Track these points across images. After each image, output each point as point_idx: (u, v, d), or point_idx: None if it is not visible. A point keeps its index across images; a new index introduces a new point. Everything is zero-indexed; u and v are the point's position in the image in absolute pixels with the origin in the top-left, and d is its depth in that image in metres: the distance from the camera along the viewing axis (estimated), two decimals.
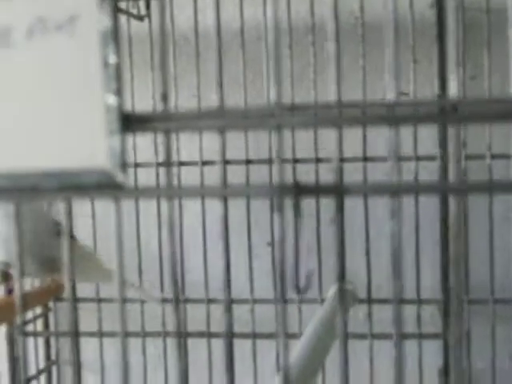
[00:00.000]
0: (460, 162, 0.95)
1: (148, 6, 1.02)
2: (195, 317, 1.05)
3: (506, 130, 0.97)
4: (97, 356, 1.10)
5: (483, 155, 0.98)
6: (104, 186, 0.42)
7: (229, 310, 0.42)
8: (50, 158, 0.43)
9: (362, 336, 1.01)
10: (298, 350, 0.76)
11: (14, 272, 0.96)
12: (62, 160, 0.42)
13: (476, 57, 0.99)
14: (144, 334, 1.07)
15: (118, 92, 0.42)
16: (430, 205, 1.00)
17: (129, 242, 1.05)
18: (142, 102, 0.96)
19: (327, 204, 0.99)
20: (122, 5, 1.01)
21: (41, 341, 1.15)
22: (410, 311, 1.01)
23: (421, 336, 1.01)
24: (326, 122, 0.40)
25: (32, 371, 1.12)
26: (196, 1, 1.02)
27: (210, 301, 1.05)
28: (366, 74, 0.99)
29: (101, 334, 1.08)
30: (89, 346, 1.13)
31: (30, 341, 1.13)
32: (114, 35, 0.42)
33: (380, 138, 1.01)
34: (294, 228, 0.42)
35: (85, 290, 1.10)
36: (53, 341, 1.18)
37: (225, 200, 0.42)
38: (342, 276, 0.43)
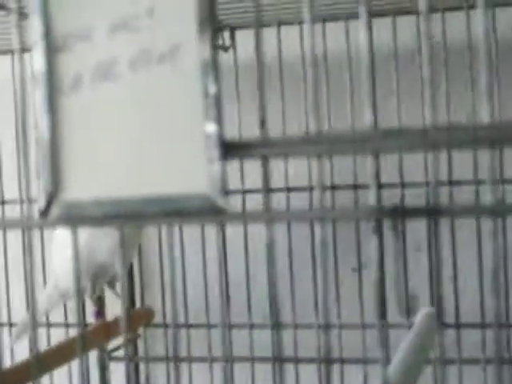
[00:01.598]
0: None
1: (233, 37, 1.04)
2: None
3: None
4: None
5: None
6: (205, 211, 0.43)
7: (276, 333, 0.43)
8: (152, 185, 0.44)
9: (450, 361, 1.00)
10: (389, 373, 0.76)
11: (116, 296, 0.99)
12: (164, 187, 0.44)
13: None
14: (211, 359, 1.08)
15: (218, 120, 0.43)
16: None
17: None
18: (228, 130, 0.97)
19: (412, 229, 0.99)
20: None
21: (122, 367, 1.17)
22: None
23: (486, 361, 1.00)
24: (433, 144, 0.41)
25: None
26: (279, 32, 1.03)
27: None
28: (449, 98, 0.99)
29: (190, 360, 1.09)
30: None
31: (121, 366, 1.15)
32: (214, 65, 0.44)
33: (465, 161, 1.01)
34: (395, 251, 0.42)
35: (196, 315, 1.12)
36: (142, 367, 1.19)
37: (333, 223, 0.43)
38: (439, 300, 0.44)
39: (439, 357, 0.44)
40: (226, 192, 0.43)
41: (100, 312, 1.03)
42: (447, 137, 0.41)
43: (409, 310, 0.78)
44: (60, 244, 0.97)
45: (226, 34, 1.05)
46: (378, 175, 0.42)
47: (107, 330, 0.96)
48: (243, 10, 0.98)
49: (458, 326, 1.01)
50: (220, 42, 1.04)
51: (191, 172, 0.44)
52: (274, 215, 0.43)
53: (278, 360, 0.44)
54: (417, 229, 0.98)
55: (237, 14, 1.00)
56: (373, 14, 1.01)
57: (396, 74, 1.01)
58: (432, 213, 0.41)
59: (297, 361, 1.06)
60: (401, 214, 0.42)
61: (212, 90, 0.43)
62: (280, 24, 1.03)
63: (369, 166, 0.42)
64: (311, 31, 0.42)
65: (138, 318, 1.08)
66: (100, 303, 1.05)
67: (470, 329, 1.01)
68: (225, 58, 1.05)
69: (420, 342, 0.85)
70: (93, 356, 1.13)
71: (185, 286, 1.08)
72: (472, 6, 0.97)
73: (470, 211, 0.42)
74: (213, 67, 0.44)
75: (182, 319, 1.10)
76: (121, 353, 1.16)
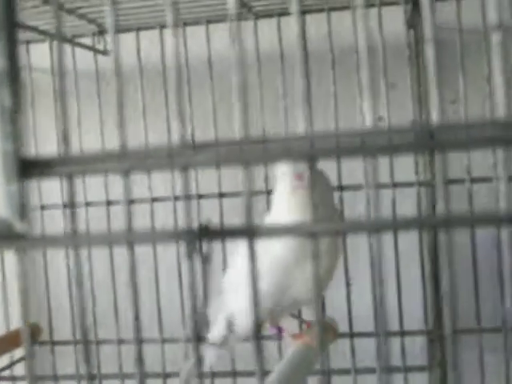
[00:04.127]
0: (443, 190, 0.92)
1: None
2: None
3: (486, 152, 0.94)
4: None
5: (463, 179, 0.95)
6: (3, 235, 0.40)
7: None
8: None
9: (345, 371, 0.98)
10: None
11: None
12: None
13: (455, 80, 0.96)
14: (122, 376, 1.04)
15: (16, 136, 0.39)
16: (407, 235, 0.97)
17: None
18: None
19: None
20: (88, 41, 1.00)
21: None
22: (394, 344, 0.98)
23: (406, 369, 0.97)
24: (231, 159, 0.38)
25: None
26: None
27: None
28: (337, 101, 0.96)
29: (79, 377, 1.05)
30: None
31: None
32: (11, 75, 0.40)
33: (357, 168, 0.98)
34: (202, 273, 0.39)
35: (62, 332, 1.07)
36: None
37: (131, 246, 0.39)
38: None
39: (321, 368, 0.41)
40: (25, 214, 0.39)
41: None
42: (258, 151, 0.38)
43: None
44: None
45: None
46: (187, 192, 0.39)
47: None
48: (125, 12, 0.94)
49: (351, 335, 0.98)
50: (101, 46, 1.00)
51: None
52: (78, 239, 0.40)
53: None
54: None
55: (119, 17, 0.96)
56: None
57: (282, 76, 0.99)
58: (245, 232, 0.38)
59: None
60: (211, 234, 0.38)
61: (8, 103, 0.40)
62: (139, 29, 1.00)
63: (180, 182, 0.39)
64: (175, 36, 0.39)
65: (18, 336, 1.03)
66: None
67: (365, 337, 0.99)
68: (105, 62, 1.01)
69: (305, 350, 0.82)
70: None
71: (94, 302, 1.04)
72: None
73: (286, 231, 0.39)
74: (9, 78, 0.40)
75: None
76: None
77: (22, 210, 0.39)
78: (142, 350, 0.40)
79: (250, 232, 0.38)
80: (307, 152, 0.37)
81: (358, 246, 1.00)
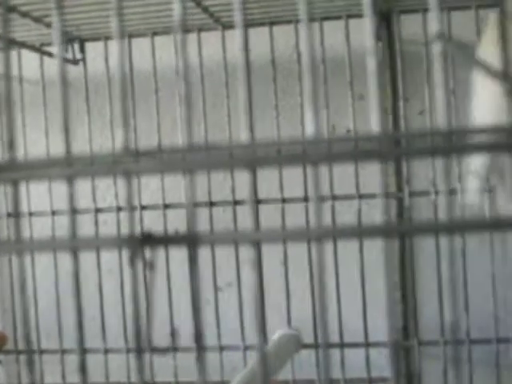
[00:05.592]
0: (404, 199, 0.92)
1: (82, 50, 1.00)
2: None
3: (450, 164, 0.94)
4: None
5: (427, 191, 0.95)
6: None
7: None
8: None
9: (309, 382, 0.98)
10: None
11: None
12: None
13: (422, 91, 0.97)
14: None
15: None
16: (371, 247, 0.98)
17: None
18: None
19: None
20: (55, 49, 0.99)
21: None
22: (359, 355, 0.98)
23: (370, 381, 0.97)
24: (173, 167, 0.38)
25: None
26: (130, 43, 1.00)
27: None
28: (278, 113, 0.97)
29: None
30: None
31: None
32: None
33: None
34: (148, 281, 0.39)
35: (48, 341, 1.07)
36: None
37: (74, 253, 0.39)
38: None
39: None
40: None
41: None
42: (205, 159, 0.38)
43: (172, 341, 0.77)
44: None
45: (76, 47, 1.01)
46: (130, 199, 0.39)
47: None
48: (92, 21, 0.94)
49: (342, 345, 0.98)
50: (70, 55, 1.00)
51: None
52: (22, 245, 0.40)
53: None
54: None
55: (87, 25, 0.96)
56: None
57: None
58: (186, 241, 0.38)
59: None
60: (155, 242, 0.39)
61: None
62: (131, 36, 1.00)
63: (122, 190, 0.39)
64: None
65: None
66: None
67: (354, 348, 0.99)
68: (74, 71, 1.01)
69: (271, 359, 0.82)
70: None
71: (36, 311, 1.04)
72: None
73: (227, 238, 0.39)
74: None
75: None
76: None
77: None
78: (86, 359, 0.40)
79: (192, 240, 0.38)
80: (249, 159, 0.37)
81: (348, 257, 1.00)
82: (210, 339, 1.00)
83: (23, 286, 0.40)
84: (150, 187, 1.05)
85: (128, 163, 0.38)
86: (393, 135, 0.36)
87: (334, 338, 0.97)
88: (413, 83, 0.97)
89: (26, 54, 1.01)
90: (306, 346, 0.95)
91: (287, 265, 0.97)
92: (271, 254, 1.01)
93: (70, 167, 0.39)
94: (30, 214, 1.04)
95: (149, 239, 0.38)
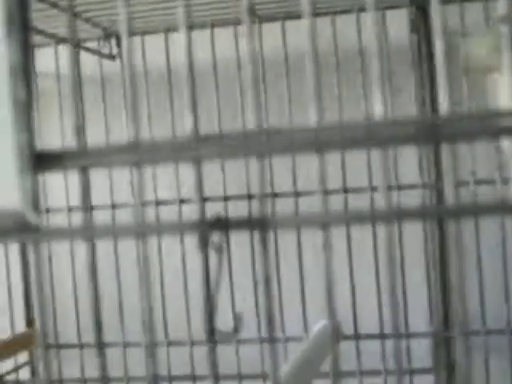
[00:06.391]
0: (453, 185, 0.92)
1: (119, 45, 1.00)
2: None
3: (491, 153, 0.94)
4: None
5: (466, 181, 0.95)
6: (17, 228, 0.40)
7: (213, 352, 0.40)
8: None
9: (350, 373, 0.98)
10: None
11: None
12: None
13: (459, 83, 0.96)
14: (128, 379, 1.04)
15: (29, 129, 0.40)
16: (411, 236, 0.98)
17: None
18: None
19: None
20: (93, 44, 1.00)
21: None
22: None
23: (412, 371, 0.97)
24: (242, 151, 0.38)
25: None
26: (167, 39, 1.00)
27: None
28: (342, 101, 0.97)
29: (84, 381, 1.05)
30: None
31: None
32: (25, 69, 0.40)
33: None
34: (217, 265, 0.39)
35: (67, 336, 1.07)
36: None
37: (143, 239, 0.40)
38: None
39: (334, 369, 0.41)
40: (38, 207, 0.40)
41: None
42: (268, 143, 0.38)
43: (235, 328, 0.76)
44: None
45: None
46: (201, 185, 0.39)
47: None
48: (130, 16, 0.94)
49: (357, 337, 0.98)
50: (107, 50, 1.00)
51: (1, 185, 0.40)
52: (92, 231, 0.40)
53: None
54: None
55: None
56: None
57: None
58: (257, 225, 0.38)
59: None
60: (224, 226, 0.39)
61: (22, 96, 0.40)
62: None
63: (191, 176, 0.39)
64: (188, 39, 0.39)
65: (29, 338, 1.04)
66: None
67: (370, 340, 0.99)
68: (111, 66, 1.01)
69: (310, 354, 0.82)
70: None
71: (77, 306, 1.05)
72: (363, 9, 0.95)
73: (297, 222, 0.39)
74: (23, 72, 0.40)
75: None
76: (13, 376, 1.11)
77: (35, 202, 0.40)
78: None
79: (263, 223, 0.38)
80: (312, 143, 0.37)
81: (364, 245, 1.00)
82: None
83: (94, 272, 0.41)
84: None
85: (197, 149, 0.39)
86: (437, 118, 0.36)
87: (374, 328, 0.98)
88: (449, 75, 0.96)
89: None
90: (345, 338, 0.96)
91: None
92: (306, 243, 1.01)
93: (137, 153, 0.39)
94: (92, 208, 1.04)
95: (219, 223, 0.39)
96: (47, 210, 1.06)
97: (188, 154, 0.39)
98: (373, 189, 0.96)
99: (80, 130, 0.40)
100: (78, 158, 0.40)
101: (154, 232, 0.40)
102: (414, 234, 0.98)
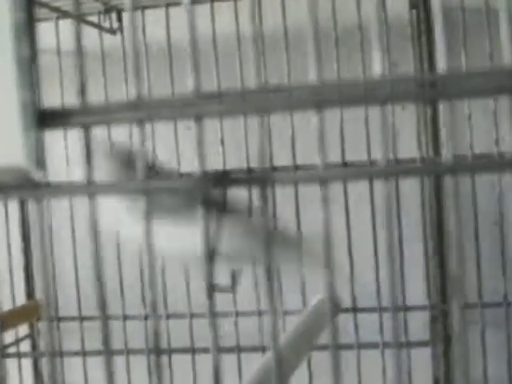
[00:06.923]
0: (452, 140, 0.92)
1: (120, 19, 1.01)
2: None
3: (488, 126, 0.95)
4: (81, 377, 1.08)
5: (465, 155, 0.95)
6: (21, 184, 0.41)
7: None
8: None
9: (348, 346, 0.99)
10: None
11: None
12: None
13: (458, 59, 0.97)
14: (128, 352, 1.05)
15: (33, 86, 0.40)
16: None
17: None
18: None
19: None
20: (94, 19, 1.00)
21: (26, 363, 1.13)
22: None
23: (409, 344, 0.98)
24: (243, 108, 0.39)
25: None
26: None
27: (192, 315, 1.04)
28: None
29: (84, 353, 1.06)
30: (75, 368, 1.11)
31: (14, 363, 1.11)
32: (29, 28, 0.41)
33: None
34: (216, 224, 0.40)
35: (67, 308, 1.08)
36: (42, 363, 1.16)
37: (148, 195, 0.40)
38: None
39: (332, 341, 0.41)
40: (42, 164, 0.40)
41: None
42: (265, 100, 0.38)
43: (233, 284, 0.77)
44: None
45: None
46: (202, 142, 0.40)
47: None
48: None
49: (354, 310, 0.99)
50: (107, 24, 1.01)
51: (6, 142, 0.41)
52: (95, 188, 0.40)
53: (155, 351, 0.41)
54: None
55: None
56: None
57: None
58: (257, 181, 0.39)
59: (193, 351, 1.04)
60: (225, 182, 0.39)
61: (26, 53, 0.40)
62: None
63: (191, 151, 0.40)
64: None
65: (30, 311, 1.05)
66: None
67: (367, 313, 1.00)
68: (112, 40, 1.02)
69: (311, 324, 0.83)
70: None
71: (77, 278, 1.05)
72: None
73: (299, 178, 0.40)
74: (27, 30, 0.41)
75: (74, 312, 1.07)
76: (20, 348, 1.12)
77: (40, 159, 0.40)
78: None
79: (265, 179, 0.39)
80: (312, 100, 0.38)
81: (364, 217, 1.01)
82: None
83: (95, 232, 0.41)
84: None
85: (200, 106, 0.39)
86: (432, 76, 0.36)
87: (371, 302, 0.99)
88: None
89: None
90: (343, 311, 0.96)
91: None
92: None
93: (141, 110, 0.40)
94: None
95: (221, 179, 0.39)
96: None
97: (190, 111, 0.39)
98: (372, 163, 0.97)
99: (83, 89, 0.41)
100: (82, 116, 0.40)
101: (157, 189, 0.41)
102: (411, 206, 0.99)
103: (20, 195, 0.41)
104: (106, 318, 0.41)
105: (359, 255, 1.01)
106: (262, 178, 0.39)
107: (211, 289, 0.39)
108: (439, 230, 0.97)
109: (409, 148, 0.99)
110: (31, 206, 0.42)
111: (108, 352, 0.41)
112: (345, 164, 0.98)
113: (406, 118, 1.02)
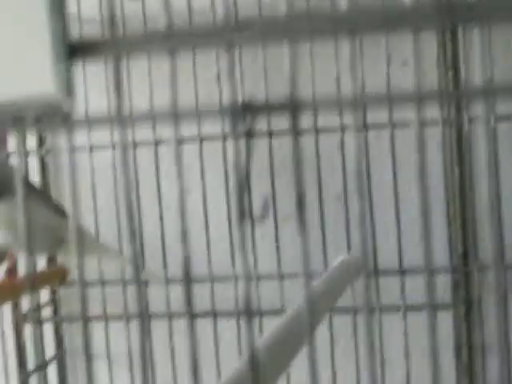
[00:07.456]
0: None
1: None
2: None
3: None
4: (103, 342, 1.08)
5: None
6: (51, 116, 0.41)
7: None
8: None
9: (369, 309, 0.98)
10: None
11: (20, 254, 0.93)
12: (5, 90, 0.41)
13: None
14: (148, 316, 1.05)
15: (64, 18, 0.40)
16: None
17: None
18: None
19: None
20: None
21: (48, 328, 1.14)
22: (419, 281, 0.98)
23: (431, 307, 0.98)
24: (277, 35, 0.39)
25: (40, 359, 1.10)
26: None
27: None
28: None
29: (106, 318, 1.06)
30: (96, 333, 1.11)
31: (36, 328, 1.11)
32: None
33: None
34: (246, 151, 0.40)
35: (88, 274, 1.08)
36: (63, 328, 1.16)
37: (177, 124, 0.40)
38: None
39: (364, 304, 0.41)
40: (72, 94, 0.40)
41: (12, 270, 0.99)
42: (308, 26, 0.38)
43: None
44: None
45: None
46: (233, 71, 0.40)
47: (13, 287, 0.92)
48: None
49: (376, 273, 0.99)
50: None
51: (36, 73, 0.41)
52: (124, 119, 0.40)
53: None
54: None
55: None
56: None
57: None
58: (288, 107, 0.39)
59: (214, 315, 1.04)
60: (255, 109, 0.39)
61: None
62: None
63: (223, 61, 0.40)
64: None
65: (51, 275, 1.05)
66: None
67: (389, 276, 1.00)
68: None
69: (332, 285, 0.83)
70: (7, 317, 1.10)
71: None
72: None
73: (331, 104, 0.39)
74: None
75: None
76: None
77: (70, 90, 0.40)
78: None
79: (295, 106, 0.39)
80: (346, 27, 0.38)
81: (383, 181, 1.01)
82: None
83: (126, 163, 0.41)
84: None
85: (231, 34, 0.39)
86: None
87: (393, 264, 0.98)
88: None
89: None
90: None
91: (346, 194, 0.98)
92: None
93: (172, 40, 0.40)
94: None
95: (250, 107, 0.39)
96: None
97: (222, 39, 0.39)
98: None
99: (114, 21, 0.41)
100: (113, 46, 0.40)
101: (188, 117, 0.41)
102: (433, 166, 0.98)
103: (51, 126, 0.41)
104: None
105: (380, 217, 1.01)
106: (293, 104, 0.39)
107: (242, 216, 0.39)
108: (462, 190, 0.96)
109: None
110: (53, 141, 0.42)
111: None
112: (366, 127, 0.98)
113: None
